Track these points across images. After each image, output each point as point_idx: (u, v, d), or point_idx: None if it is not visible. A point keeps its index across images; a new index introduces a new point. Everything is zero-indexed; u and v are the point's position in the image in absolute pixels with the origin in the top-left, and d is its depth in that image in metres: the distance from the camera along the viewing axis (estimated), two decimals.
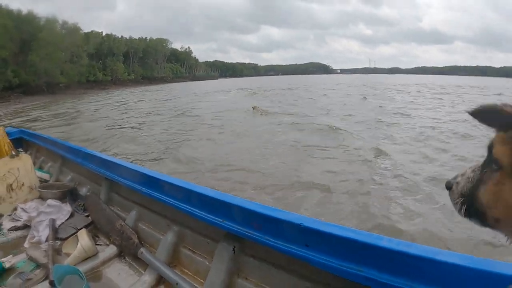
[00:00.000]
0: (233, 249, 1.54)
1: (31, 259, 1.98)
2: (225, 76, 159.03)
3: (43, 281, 1.76)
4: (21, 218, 2.47)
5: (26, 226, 2.41)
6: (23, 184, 2.77)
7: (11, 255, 2.00)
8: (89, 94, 40.47)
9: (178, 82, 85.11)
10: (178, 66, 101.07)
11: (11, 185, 2.69)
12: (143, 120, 14.74)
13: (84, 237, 2.05)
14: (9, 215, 2.56)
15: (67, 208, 2.51)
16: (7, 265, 1.89)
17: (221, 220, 1.49)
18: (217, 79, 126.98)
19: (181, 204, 1.72)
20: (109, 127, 12.67)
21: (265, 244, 1.32)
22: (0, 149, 2.93)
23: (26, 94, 32.61)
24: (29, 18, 39.43)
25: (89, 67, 52.68)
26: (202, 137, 10.07)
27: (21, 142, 3.92)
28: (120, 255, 2.07)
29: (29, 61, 36.96)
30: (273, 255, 1.40)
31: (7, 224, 2.46)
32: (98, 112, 19.06)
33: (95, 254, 2.03)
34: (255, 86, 46.94)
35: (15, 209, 2.60)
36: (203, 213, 1.58)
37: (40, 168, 3.54)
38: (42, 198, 2.74)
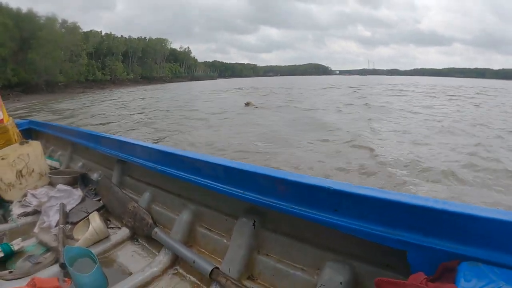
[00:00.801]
0: (253, 224, 1.48)
1: (41, 243, 1.95)
2: (224, 77, 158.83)
3: (53, 264, 1.72)
4: (31, 204, 2.45)
5: (36, 212, 2.39)
6: (33, 171, 2.74)
7: (20, 239, 1.95)
8: (87, 93, 40.48)
9: (177, 82, 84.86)
10: (177, 66, 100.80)
11: (21, 171, 2.67)
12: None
13: (95, 219, 2.01)
14: (19, 201, 2.53)
15: (78, 193, 2.48)
16: (16, 247, 1.84)
17: (242, 192, 1.42)
18: (216, 79, 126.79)
19: (197, 178, 1.66)
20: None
21: (289, 212, 1.24)
22: (9, 139, 2.90)
23: (26, 92, 32.49)
24: (28, 16, 39.31)
25: (88, 66, 52.51)
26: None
27: (30, 132, 3.88)
28: (132, 237, 2.03)
29: (28, 59, 36.79)
30: (297, 227, 1.35)
31: (17, 210, 2.43)
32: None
33: (106, 237, 1.99)
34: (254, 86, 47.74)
35: (25, 195, 2.56)
36: (222, 185, 1.52)
37: (51, 157, 3.51)
38: (52, 184, 2.72)
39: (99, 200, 2.42)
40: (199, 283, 1.58)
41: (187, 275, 1.65)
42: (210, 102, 22.62)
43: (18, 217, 2.36)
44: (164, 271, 1.69)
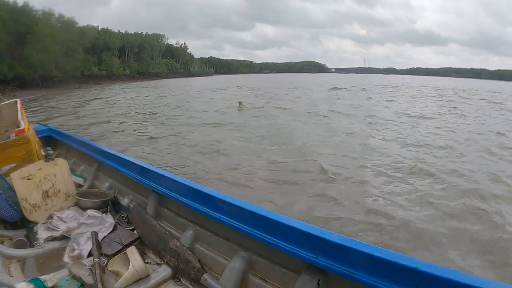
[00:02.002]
0: (318, 283, 1.38)
1: (74, 277, 1.84)
2: (220, 73, 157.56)
3: None
4: (58, 228, 2.35)
5: (64, 237, 2.29)
6: (59, 191, 2.62)
7: (52, 273, 1.85)
8: (83, 88, 40.08)
9: (173, 78, 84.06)
10: (174, 61, 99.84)
11: (47, 192, 2.55)
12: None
13: (135, 257, 1.88)
14: (44, 223, 2.44)
15: (109, 220, 2.36)
16: (49, 284, 1.75)
17: (315, 256, 1.32)
18: (212, 75, 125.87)
19: (250, 229, 1.56)
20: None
21: (364, 283, 1.18)
22: (31, 149, 2.78)
23: (21, 87, 32.01)
24: (25, 10, 38.63)
25: (84, 61, 51.71)
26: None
27: (49, 140, 3.71)
28: (174, 276, 1.88)
29: (25, 54, 36.19)
30: None
31: (43, 233, 2.34)
32: None
33: (146, 276, 1.86)
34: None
35: (51, 217, 2.46)
36: (284, 243, 1.42)
37: (72, 171, 3.32)
38: (78, 205, 2.61)
39: (132, 229, 2.30)
40: None
41: None
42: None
43: (44, 242, 2.27)
44: None
